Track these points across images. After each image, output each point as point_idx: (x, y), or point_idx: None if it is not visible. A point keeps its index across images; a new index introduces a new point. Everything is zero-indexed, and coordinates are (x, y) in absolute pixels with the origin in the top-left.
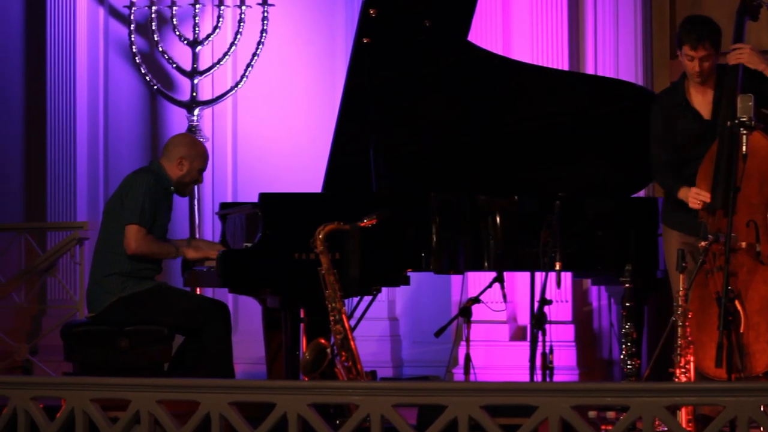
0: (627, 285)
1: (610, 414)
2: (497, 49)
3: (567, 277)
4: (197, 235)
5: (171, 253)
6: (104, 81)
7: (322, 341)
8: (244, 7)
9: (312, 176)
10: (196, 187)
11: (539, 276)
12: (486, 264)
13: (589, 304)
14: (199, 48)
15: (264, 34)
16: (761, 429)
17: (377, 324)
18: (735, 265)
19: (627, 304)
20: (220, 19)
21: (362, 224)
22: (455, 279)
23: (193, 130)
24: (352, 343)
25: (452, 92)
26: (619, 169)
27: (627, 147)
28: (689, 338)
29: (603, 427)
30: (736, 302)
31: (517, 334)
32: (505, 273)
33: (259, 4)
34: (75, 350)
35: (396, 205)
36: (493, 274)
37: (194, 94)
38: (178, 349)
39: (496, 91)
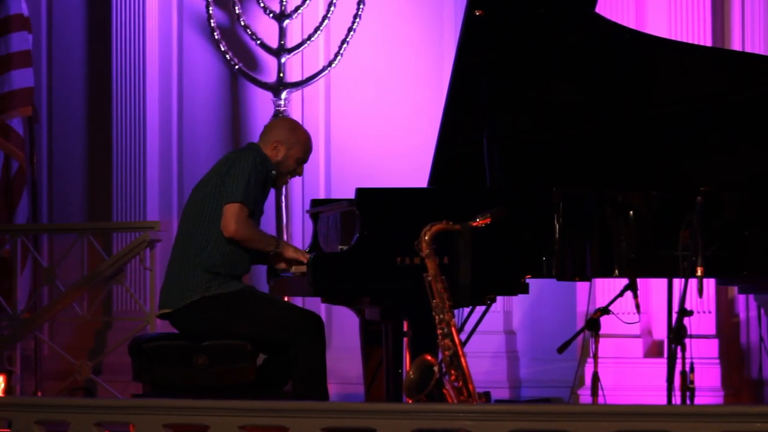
0: None
1: None
2: (629, 22)
3: (710, 284)
4: (285, 238)
5: (271, 245)
6: (178, 60)
7: (429, 358)
8: None
9: (416, 169)
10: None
11: (678, 283)
12: (616, 270)
13: (735, 316)
14: (286, 22)
15: (361, 6)
16: None
17: (492, 338)
18: None
19: None
20: None
21: (474, 224)
22: (581, 287)
23: (279, 116)
24: (462, 360)
25: (577, 72)
26: None
27: None
28: None
29: None
30: None
31: (653, 350)
32: (638, 280)
33: None
34: (145, 368)
35: (513, 202)
36: (624, 281)
37: (281, 74)
38: (260, 366)
39: (628, 70)
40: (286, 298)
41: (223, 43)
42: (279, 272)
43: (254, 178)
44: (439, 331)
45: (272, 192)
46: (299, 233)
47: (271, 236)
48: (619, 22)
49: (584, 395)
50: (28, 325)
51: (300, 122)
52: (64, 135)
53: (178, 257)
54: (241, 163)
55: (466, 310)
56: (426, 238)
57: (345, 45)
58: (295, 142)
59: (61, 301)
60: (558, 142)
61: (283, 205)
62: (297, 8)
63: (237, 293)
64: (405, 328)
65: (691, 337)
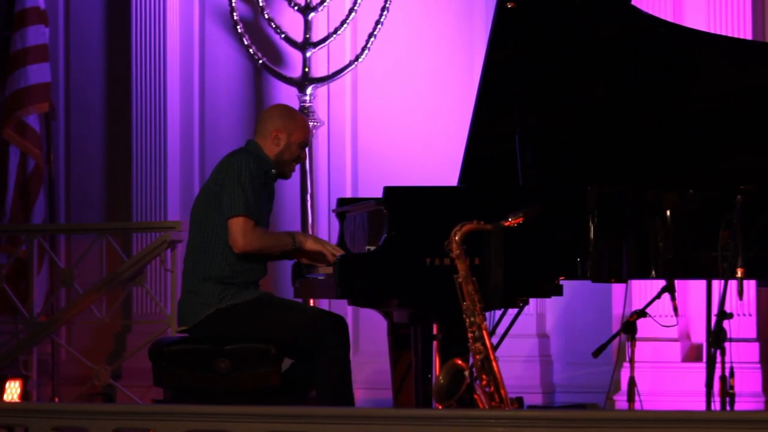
0: None
1: None
2: (666, 15)
3: (750, 285)
4: None
5: (287, 244)
6: (200, 55)
7: (459, 362)
8: None
9: (446, 167)
10: (309, 180)
11: (717, 285)
12: (653, 271)
13: None
14: (312, 15)
15: None
16: None
17: (524, 342)
18: None
19: None
20: None
21: (506, 223)
22: (617, 289)
23: (305, 111)
24: (494, 364)
25: (613, 66)
26: None
27: None
28: None
29: None
30: None
31: (691, 354)
32: (676, 281)
33: None
34: (166, 373)
35: (546, 201)
36: (662, 283)
37: (306, 69)
38: (285, 371)
39: (665, 65)
40: (311, 301)
41: (247, 37)
42: (305, 273)
43: (250, 185)
44: (469, 335)
45: (296, 191)
46: (325, 233)
47: (284, 234)
48: (657, 15)
49: (620, 401)
50: (44, 328)
51: (323, 119)
52: (82, 132)
53: (189, 271)
54: (234, 171)
55: (498, 312)
56: (456, 238)
57: (372, 39)
58: (294, 127)
59: (78, 303)
60: (593, 139)
61: (309, 204)
62: (323, 0)
63: (253, 301)
64: (435, 332)
65: (730, 340)
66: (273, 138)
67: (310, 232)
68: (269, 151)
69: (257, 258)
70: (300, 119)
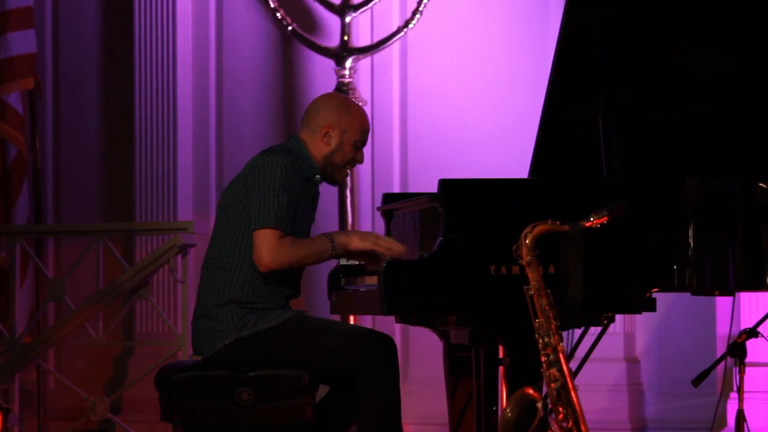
0: None
1: None
2: None
3: None
4: None
5: (325, 250)
6: (216, 21)
7: (531, 392)
8: None
9: (513, 156)
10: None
11: None
12: (767, 281)
13: None
14: None
15: None
16: None
17: (609, 367)
18: None
19: None
20: None
21: (587, 224)
22: (722, 303)
23: (343, 89)
24: (573, 394)
25: (715, 32)
26: None
27: None
28: None
29: None
30: None
31: None
32: None
33: None
34: (176, 406)
35: (636, 197)
36: None
37: (345, 37)
38: (320, 402)
39: None
40: (352, 318)
41: None
42: (343, 284)
43: (284, 192)
44: (543, 358)
45: (333, 188)
46: None
47: (320, 239)
48: None
49: None
50: (29, 351)
51: (365, 98)
52: (74, 114)
53: (205, 290)
54: (266, 174)
55: (578, 331)
56: (527, 242)
57: (425, 0)
58: (349, 123)
59: (70, 321)
60: (693, 121)
61: (348, 201)
62: None
63: (281, 327)
64: (500, 355)
65: None
66: (323, 135)
67: None
68: (317, 150)
69: (287, 276)
70: (358, 113)
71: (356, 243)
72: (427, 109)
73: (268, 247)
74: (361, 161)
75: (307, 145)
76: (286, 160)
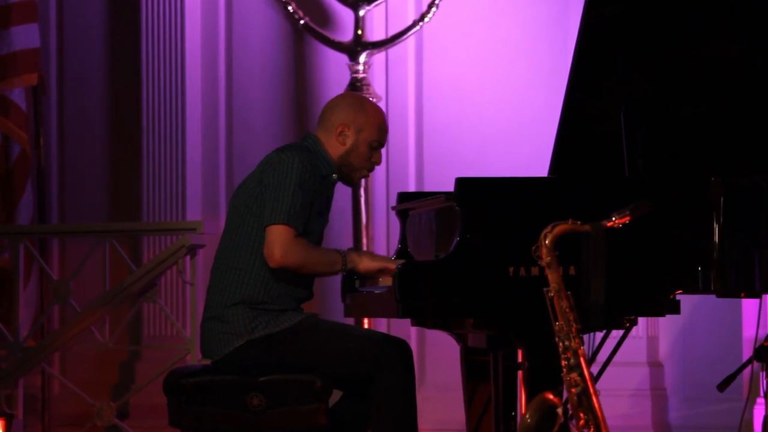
0: None
1: None
2: None
3: None
4: (364, 242)
5: (335, 264)
6: (226, 14)
7: (551, 397)
8: None
9: (532, 154)
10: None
11: None
12: None
13: None
14: None
15: None
16: None
17: (632, 372)
18: None
19: None
20: None
21: (609, 223)
22: (748, 306)
23: (357, 85)
24: (594, 399)
25: (744, 24)
26: None
27: None
28: None
29: None
30: None
31: None
32: None
33: None
34: (185, 411)
35: (659, 195)
36: None
37: (359, 31)
38: (333, 407)
39: None
40: (366, 321)
41: None
42: (357, 286)
43: (300, 189)
44: (563, 363)
45: (347, 187)
46: (383, 236)
47: (333, 252)
48: None
49: None
50: (33, 355)
51: (380, 94)
52: (79, 110)
53: (215, 291)
54: (282, 171)
55: (599, 335)
56: (547, 242)
57: None
58: (365, 122)
59: (76, 324)
60: (719, 118)
61: (362, 200)
62: None
63: (293, 329)
64: (519, 359)
65: None
66: (338, 134)
67: (364, 234)
68: (332, 150)
69: (300, 277)
70: (374, 111)
71: (366, 263)
72: (443, 105)
73: (281, 242)
74: (378, 163)
75: (323, 144)
76: (303, 157)
